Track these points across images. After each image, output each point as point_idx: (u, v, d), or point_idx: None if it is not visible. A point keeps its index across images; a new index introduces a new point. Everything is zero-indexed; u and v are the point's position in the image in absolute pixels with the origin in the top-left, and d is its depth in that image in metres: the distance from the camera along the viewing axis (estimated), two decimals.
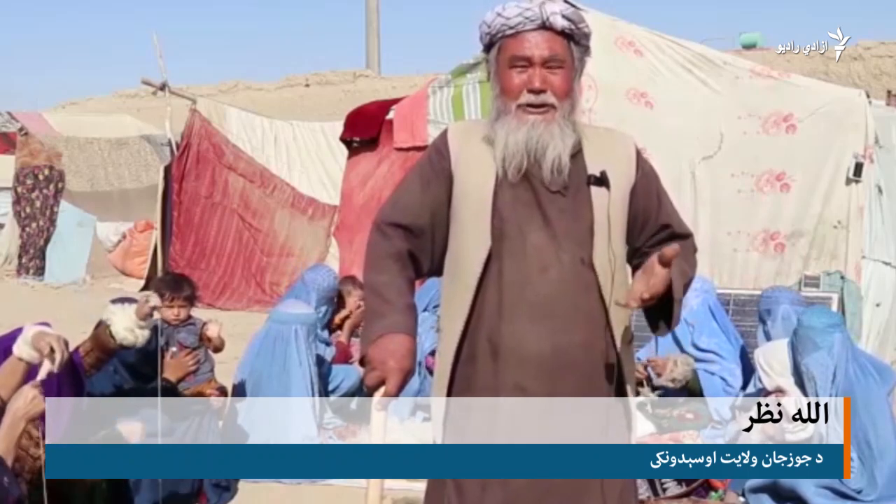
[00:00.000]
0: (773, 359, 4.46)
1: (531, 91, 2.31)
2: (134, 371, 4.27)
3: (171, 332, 4.70)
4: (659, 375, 5.11)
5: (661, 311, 2.34)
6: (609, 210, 2.31)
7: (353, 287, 5.94)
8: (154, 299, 3.86)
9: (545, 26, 2.32)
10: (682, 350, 5.32)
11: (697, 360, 5.27)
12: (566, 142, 2.31)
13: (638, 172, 2.41)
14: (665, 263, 2.21)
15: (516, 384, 2.30)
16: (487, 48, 2.42)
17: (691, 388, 5.22)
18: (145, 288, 10.28)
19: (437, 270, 2.46)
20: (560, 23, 2.32)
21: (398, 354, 2.22)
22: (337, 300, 6.03)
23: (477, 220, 2.33)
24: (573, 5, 2.42)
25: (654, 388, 5.26)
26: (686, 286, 2.39)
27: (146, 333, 3.83)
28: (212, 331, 4.66)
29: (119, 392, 3.90)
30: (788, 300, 5.08)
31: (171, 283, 4.79)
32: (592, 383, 2.33)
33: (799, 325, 4.40)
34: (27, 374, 3.09)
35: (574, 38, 2.36)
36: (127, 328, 3.74)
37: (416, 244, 2.38)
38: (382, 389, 2.21)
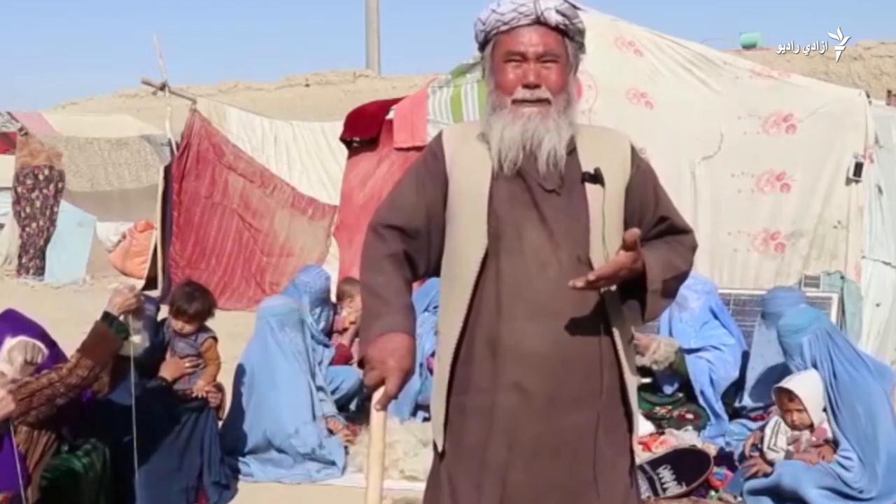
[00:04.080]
0: (817, 393, 4.26)
1: (526, 86, 2.31)
2: (139, 364, 4.26)
3: (172, 337, 4.70)
4: (642, 355, 5.07)
5: (639, 300, 2.32)
6: (604, 207, 2.31)
7: (357, 287, 5.94)
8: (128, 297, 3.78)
9: (539, 21, 2.32)
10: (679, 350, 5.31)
11: (692, 350, 5.27)
12: (562, 135, 2.31)
13: (633, 169, 2.40)
14: (627, 247, 2.21)
15: (515, 383, 2.29)
16: (483, 46, 2.42)
17: (677, 370, 5.21)
18: (146, 288, 10.29)
19: (434, 272, 2.45)
20: (554, 18, 2.32)
21: (398, 354, 2.21)
22: (339, 301, 6.04)
23: (473, 219, 2.32)
24: (569, 2, 2.40)
25: (640, 372, 5.22)
26: (674, 280, 2.36)
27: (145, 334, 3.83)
28: (198, 386, 4.63)
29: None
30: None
31: (184, 297, 4.71)
32: (592, 382, 2.32)
33: (778, 334, 4.48)
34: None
35: (569, 34, 2.36)
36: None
37: (413, 245, 2.38)
38: (382, 389, 2.20)
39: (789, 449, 4.27)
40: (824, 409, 4.26)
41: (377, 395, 2.21)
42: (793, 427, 4.29)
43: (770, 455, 4.31)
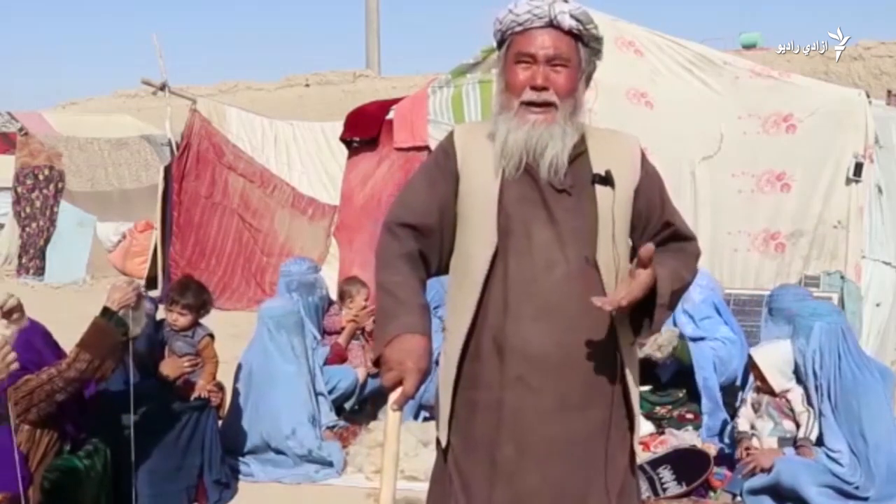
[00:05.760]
0: (777, 361, 4.46)
1: (533, 88, 2.32)
2: (140, 364, 4.26)
3: (171, 335, 4.71)
4: (643, 345, 5.06)
5: (645, 312, 2.33)
6: (614, 209, 2.32)
7: (358, 286, 5.93)
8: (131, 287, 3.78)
9: (553, 24, 2.33)
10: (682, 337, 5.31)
11: (695, 339, 5.27)
12: (566, 142, 2.32)
13: (642, 172, 2.41)
14: (644, 264, 2.23)
15: (521, 382, 2.30)
16: (500, 45, 2.44)
17: (680, 357, 5.20)
18: (146, 288, 10.28)
19: (444, 270, 2.46)
20: (567, 22, 2.33)
21: (415, 355, 2.20)
22: (340, 300, 6.03)
23: (483, 217, 2.33)
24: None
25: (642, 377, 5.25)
26: (679, 291, 2.38)
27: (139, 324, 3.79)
28: (199, 386, 4.65)
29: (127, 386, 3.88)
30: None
31: (177, 288, 4.76)
32: (596, 382, 2.33)
33: (794, 314, 4.50)
34: None
35: (583, 39, 2.37)
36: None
37: (426, 244, 2.38)
38: (399, 390, 2.20)
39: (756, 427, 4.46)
40: (806, 389, 4.36)
41: (394, 396, 2.20)
42: (759, 391, 4.50)
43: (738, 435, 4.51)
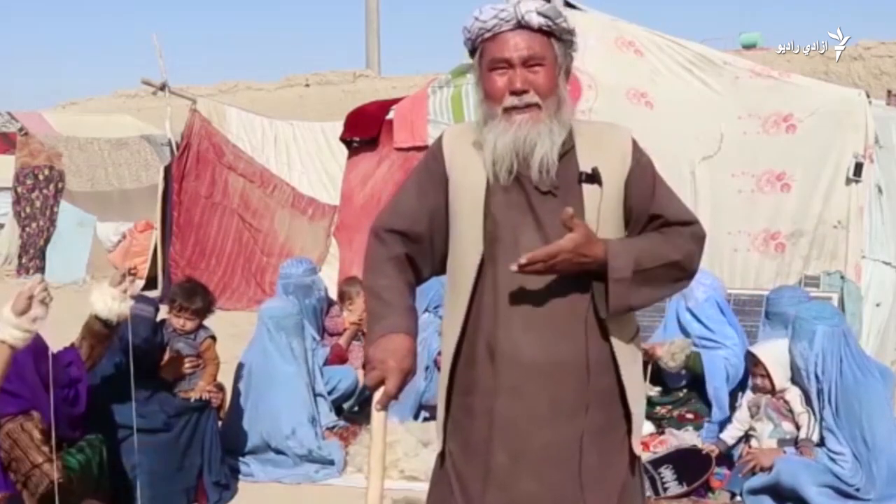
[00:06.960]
0: (780, 358, 4.46)
1: (513, 93, 2.29)
2: (137, 363, 4.26)
3: (172, 336, 4.71)
4: (657, 359, 5.11)
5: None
6: (601, 207, 2.28)
7: (358, 288, 5.93)
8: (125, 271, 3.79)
9: (522, 25, 2.29)
10: (688, 336, 5.31)
11: (702, 346, 5.27)
12: (554, 140, 2.28)
13: (632, 162, 2.36)
14: (565, 225, 2.16)
15: (512, 390, 2.29)
16: (472, 54, 2.42)
17: (692, 368, 5.20)
18: (146, 288, 10.29)
19: (442, 270, 2.45)
20: (536, 20, 2.28)
21: (398, 355, 2.21)
22: (341, 301, 6.03)
23: (470, 224, 2.32)
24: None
25: (654, 382, 5.27)
26: (660, 269, 2.28)
27: (124, 306, 3.76)
28: (199, 387, 4.66)
29: (123, 381, 3.87)
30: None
31: (184, 293, 4.73)
32: (590, 386, 2.30)
33: (794, 316, 4.47)
34: (11, 356, 3.09)
35: (555, 35, 2.32)
36: (102, 301, 3.71)
37: (415, 249, 2.38)
38: (382, 389, 2.21)
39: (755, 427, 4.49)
40: (796, 383, 4.39)
41: (377, 396, 2.21)
42: (757, 390, 4.53)
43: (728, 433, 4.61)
